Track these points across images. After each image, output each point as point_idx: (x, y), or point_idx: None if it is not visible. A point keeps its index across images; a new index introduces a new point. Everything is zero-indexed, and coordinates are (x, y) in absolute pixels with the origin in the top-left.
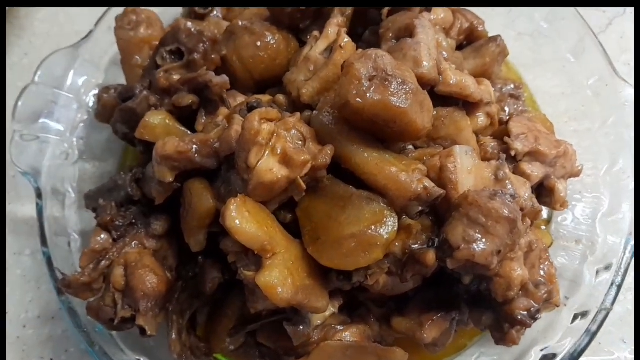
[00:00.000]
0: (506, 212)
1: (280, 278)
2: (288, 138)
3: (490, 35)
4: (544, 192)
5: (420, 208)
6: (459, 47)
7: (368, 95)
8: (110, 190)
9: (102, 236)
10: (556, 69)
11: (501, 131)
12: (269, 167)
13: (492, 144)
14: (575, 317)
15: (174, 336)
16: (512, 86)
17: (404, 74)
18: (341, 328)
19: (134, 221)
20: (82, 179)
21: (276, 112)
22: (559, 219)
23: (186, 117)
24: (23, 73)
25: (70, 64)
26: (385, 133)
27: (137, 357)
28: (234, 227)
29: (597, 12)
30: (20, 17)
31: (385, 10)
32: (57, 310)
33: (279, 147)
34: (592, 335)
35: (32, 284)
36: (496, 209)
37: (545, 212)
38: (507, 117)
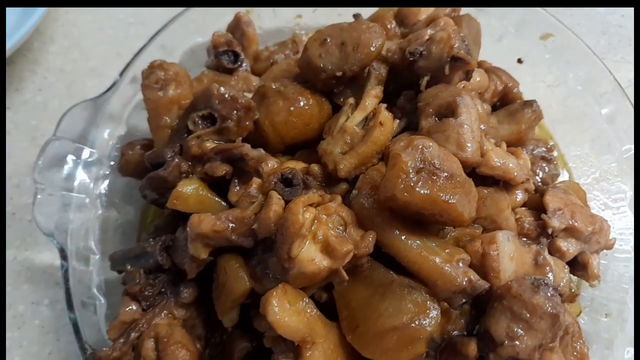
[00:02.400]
0: (550, 308)
1: None
2: (330, 224)
3: (524, 96)
4: (577, 265)
5: (463, 300)
6: (493, 108)
7: (416, 189)
8: (138, 256)
9: (132, 307)
10: (587, 127)
11: (535, 200)
12: (311, 258)
13: (529, 219)
14: None
15: None
16: (544, 148)
17: (452, 166)
18: None
19: (162, 290)
20: (103, 230)
21: (317, 196)
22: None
23: (218, 184)
24: (37, 111)
25: (92, 117)
26: (430, 222)
27: None
28: (276, 322)
29: (626, 64)
30: (34, 49)
31: (424, 80)
32: None
33: (320, 234)
34: None
35: (50, 335)
36: (540, 306)
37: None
38: (539, 181)
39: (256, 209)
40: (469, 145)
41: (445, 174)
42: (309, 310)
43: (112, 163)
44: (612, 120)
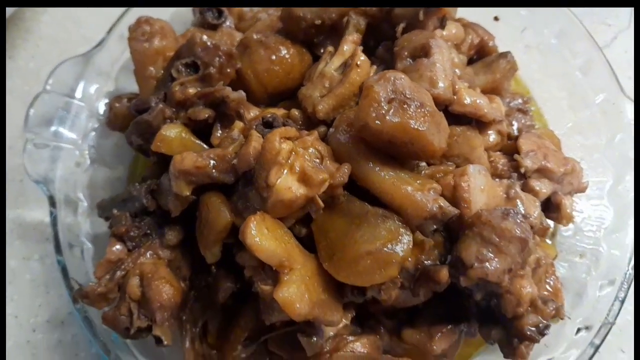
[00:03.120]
0: (518, 232)
1: (298, 294)
2: (306, 156)
3: (499, 50)
4: (551, 207)
5: (434, 226)
6: (469, 62)
7: (387, 118)
8: (125, 200)
9: (117, 247)
10: (564, 84)
11: (510, 146)
12: (287, 186)
13: (502, 161)
14: (579, 330)
15: (187, 345)
16: (520, 100)
17: (422, 97)
18: (352, 339)
19: (148, 232)
20: (92, 186)
21: (294, 130)
22: (563, 232)
23: (201, 130)
24: (30, 77)
25: (82, 72)
26: (402, 153)
27: None
28: (253, 245)
29: (603, 26)
30: (26, 19)
31: (400, 27)
32: (67, 315)
33: (297, 165)
34: (595, 348)
35: (41, 288)
36: (509, 229)
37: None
38: (516, 132)
39: (237, 148)
40: (441, 82)
41: (416, 103)
42: (287, 238)
43: (101, 118)
44: (586, 73)
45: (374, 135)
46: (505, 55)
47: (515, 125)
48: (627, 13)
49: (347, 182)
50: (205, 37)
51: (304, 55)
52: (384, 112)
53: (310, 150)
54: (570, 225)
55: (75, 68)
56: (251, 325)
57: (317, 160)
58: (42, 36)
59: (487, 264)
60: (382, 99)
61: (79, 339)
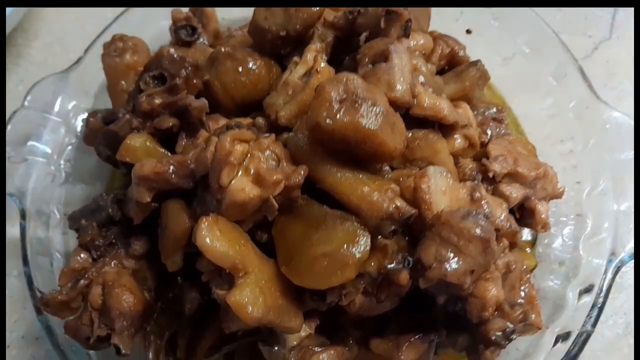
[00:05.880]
0: (478, 231)
1: (251, 297)
2: (262, 159)
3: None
4: (525, 213)
5: (393, 227)
6: (441, 72)
7: (337, 117)
8: (93, 211)
9: (82, 255)
10: (539, 93)
11: (483, 154)
12: (241, 187)
13: (470, 166)
14: (557, 340)
15: (151, 356)
16: (495, 110)
17: (375, 97)
18: (319, 350)
19: (114, 241)
20: (68, 203)
21: (250, 133)
22: (546, 242)
23: (168, 140)
24: (16, 99)
25: (60, 89)
26: (358, 154)
27: None
28: (204, 245)
29: (583, 37)
30: (18, 45)
31: (363, 36)
32: (41, 331)
33: (252, 168)
34: (572, 358)
35: (18, 304)
36: (468, 229)
37: (530, 235)
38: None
39: (197, 154)
40: (398, 85)
41: (368, 103)
42: (242, 241)
43: (79, 134)
44: (559, 80)
45: (326, 135)
46: (475, 63)
47: (489, 134)
48: (607, 24)
49: (306, 186)
50: (172, 50)
51: (272, 67)
52: (334, 111)
53: (266, 153)
54: (550, 233)
55: (54, 85)
56: (216, 336)
57: (274, 163)
58: (33, 61)
59: (445, 264)
60: (333, 99)
61: (52, 355)
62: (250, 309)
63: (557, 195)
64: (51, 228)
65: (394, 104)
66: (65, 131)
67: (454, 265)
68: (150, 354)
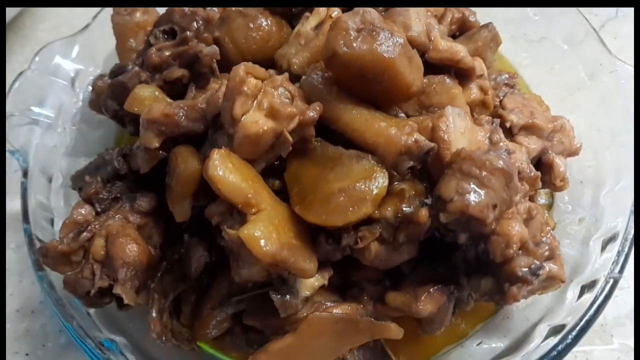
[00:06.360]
0: (501, 163)
1: (265, 231)
2: (275, 95)
3: None
4: (542, 168)
5: (411, 163)
6: (452, 38)
7: (355, 45)
8: (98, 167)
9: (85, 208)
10: (552, 64)
11: (495, 113)
12: (254, 119)
13: (487, 118)
14: (582, 291)
15: (154, 314)
16: (507, 76)
17: (392, 27)
18: (332, 305)
19: (119, 195)
20: (70, 172)
21: (263, 70)
22: (561, 207)
23: (177, 94)
24: None
25: (67, 53)
26: (375, 91)
27: (114, 336)
28: (215, 177)
29: (589, 15)
30: (26, 27)
31: None
32: (37, 304)
33: (265, 103)
34: (599, 306)
35: (14, 277)
36: (490, 161)
37: (545, 199)
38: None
39: (207, 98)
40: (415, 26)
41: (385, 33)
42: (256, 178)
43: (84, 100)
44: (572, 44)
45: (343, 66)
46: (486, 25)
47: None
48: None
49: (321, 128)
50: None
51: (283, 26)
52: (352, 39)
53: (279, 90)
54: (567, 200)
55: (62, 49)
56: (224, 293)
57: (287, 100)
58: (39, 42)
59: (467, 195)
60: (350, 28)
61: (47, 329)
62: (264, 242)
63: (574, 152)
64: (53, 192)
65: (410, 45)
66: (71, 95)
67: (476, 197)
68: (154, 312)
